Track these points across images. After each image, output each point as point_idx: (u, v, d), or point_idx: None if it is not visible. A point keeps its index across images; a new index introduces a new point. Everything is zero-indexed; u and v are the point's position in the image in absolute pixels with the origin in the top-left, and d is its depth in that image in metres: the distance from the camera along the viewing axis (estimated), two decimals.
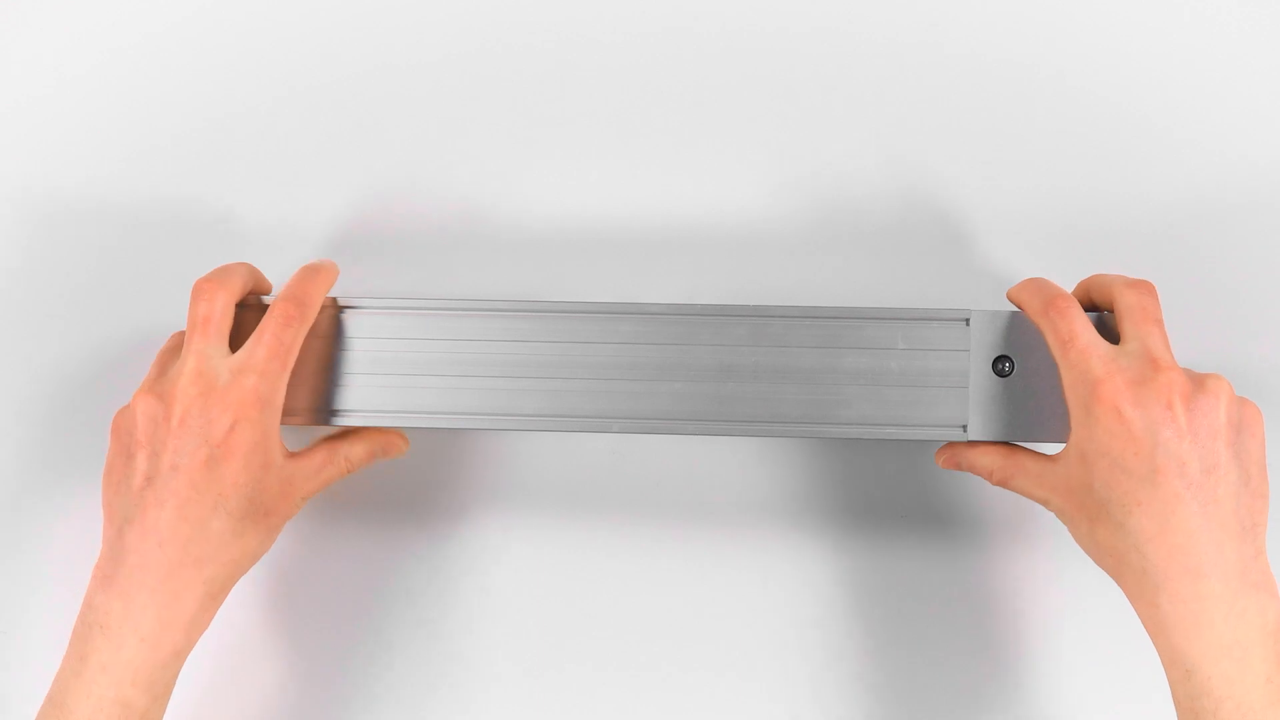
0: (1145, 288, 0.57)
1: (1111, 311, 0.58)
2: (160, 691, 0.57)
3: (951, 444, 0.61)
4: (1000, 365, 0.60)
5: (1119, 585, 0.56)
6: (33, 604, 0.67)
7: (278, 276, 0.65)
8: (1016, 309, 0.60)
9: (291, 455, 0.60)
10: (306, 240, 0.68)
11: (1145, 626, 0.55)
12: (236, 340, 0.59)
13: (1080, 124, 0.67)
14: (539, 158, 0.68)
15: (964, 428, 0.60)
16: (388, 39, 0.68)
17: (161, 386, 0.57)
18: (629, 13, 0.68)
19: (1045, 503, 0.58)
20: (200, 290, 0.59)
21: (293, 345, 0.58)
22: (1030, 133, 0.67)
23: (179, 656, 0.57)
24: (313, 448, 0.61)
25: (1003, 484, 0.60)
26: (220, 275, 0.59)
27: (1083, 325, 0.56)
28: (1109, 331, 0.58)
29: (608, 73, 0.68)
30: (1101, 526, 0.55)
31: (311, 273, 0.60)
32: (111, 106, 0.69)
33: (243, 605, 0.66)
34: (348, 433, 0.62)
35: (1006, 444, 0.60)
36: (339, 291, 0.62)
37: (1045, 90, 0.67)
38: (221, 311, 0.58)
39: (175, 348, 0.61)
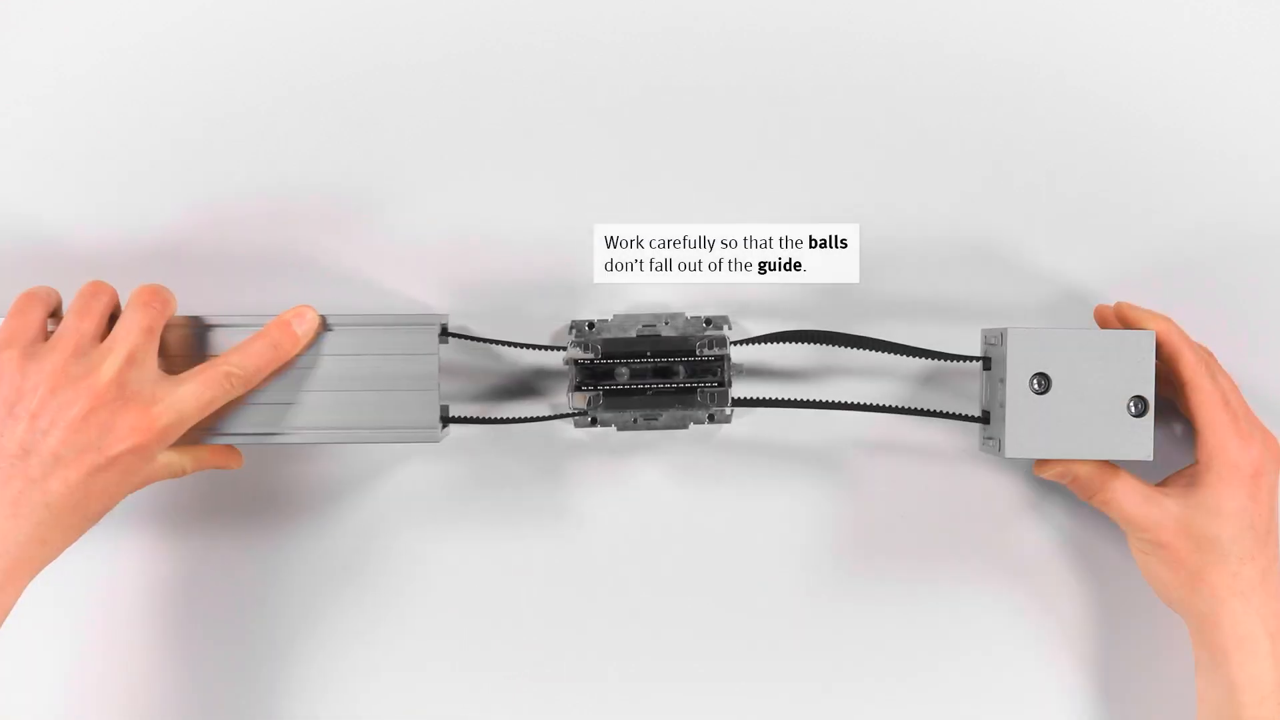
0: (1213, 363, 0.61)
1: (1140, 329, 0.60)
2: None
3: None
4: (1036, 382, 0.60)
5: (1190, 625, 0.59)
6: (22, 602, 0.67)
7: (277, 278, 0.65)
8: (1044, 326, 0.62)
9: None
10: (308, 238, 0.68)
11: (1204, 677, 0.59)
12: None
13: (1081, 124, 0.67)
14: (538, 158, 0.68)
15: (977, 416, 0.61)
16: (388, 39, 0.68)
17: None
18: (629, 13, 0.68)
19: (1139, 528, 0.59)
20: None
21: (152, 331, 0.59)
22: (1030, 133, 0.67)
23: None
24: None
25: (1094, 496, 0.60)
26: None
27: (1231, 388, 0.60)
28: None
29: (608, 73, 0.68)
30: (1214, 570, 0.58)
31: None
32: (111, 107, 0.69)
33: (136, 622, 0.67)
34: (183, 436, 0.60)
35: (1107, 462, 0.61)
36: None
37: (1045, 90, 0.67)
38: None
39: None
